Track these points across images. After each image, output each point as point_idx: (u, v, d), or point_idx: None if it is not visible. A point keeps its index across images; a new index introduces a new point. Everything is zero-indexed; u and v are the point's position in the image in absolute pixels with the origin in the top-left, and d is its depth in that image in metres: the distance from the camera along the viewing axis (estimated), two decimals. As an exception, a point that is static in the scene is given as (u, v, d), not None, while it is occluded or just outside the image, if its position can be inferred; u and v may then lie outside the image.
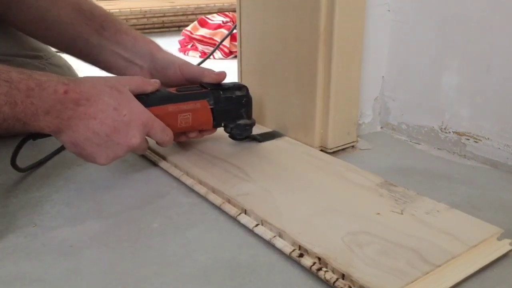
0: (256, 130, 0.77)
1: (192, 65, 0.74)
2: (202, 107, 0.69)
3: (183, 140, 0.73)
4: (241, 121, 0.73)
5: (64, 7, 0.75)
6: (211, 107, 0.70)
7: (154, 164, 0.73)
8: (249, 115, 0.74)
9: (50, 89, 0.56)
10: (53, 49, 0.91)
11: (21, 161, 0.67)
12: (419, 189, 0.62)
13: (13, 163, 0.65)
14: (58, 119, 0.56)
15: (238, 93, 0.72)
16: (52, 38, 0.79)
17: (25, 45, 0.85)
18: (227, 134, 0.75)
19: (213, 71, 0.72)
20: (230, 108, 0.72)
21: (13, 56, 0.83)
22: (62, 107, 0.56)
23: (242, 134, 0.74)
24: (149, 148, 0.75)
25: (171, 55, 0.76)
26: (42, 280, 0.49)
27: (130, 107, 0.61)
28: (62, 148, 0.70)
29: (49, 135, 0.61)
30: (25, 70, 0.56)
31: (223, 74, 0.72)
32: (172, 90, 0.69)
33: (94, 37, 0.74)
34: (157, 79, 0.72)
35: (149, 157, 0.74)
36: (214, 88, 0.70)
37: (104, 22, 0.75)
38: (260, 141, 0.77)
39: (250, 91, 0.73)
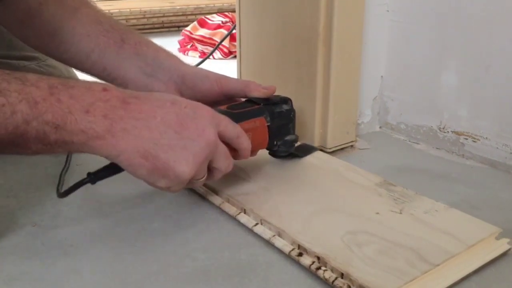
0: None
1: (231, 78, 0.67)
2: (260, 126, 0.62)
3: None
4: (288, 137, 0.67)
5: (82, 19, 0.68)
6: (268, 124, 0.63)
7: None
8: (294, 130, 0.68)
9: (81, 87, 0.47)
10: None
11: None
12: (418, 189, 0.62)
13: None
14: (107, 120, 0.46)
15: (286, 107, 0.65)
16: (65, 53, 0.69)
17: (21, 47, 0.82)
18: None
19: (259, 84, 0.65)
20: (282, 124, 0.65)
21: (9, 58, 0.80)
22: (106, 105, 0.47)
23: (288, 150, 0.68)
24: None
25: (201, 69, 0.69)
26: (42, 279, 0.49)
27: (188, 101, 0.52)
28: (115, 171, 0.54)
29: (109, 173, 0.53)
30: (43, 75, 0.47)
31: (273, 88, 0.65)
32: (223, 108, 0.61)
33: (112, 49, 0.67)
34: (187, 95, 0.64)
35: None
36: (266, 104, 0.64)
37: (123, 34, 0.68)
38: (301, 157, 0.71)
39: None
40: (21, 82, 0.45)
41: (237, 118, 0.58)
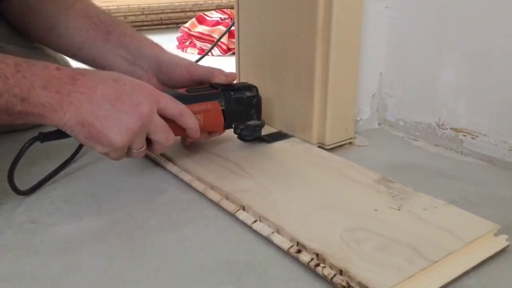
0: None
1: (199, 65, 0.73)
2: (213, 108, 0.67)
3: (190, 142, 0.72)
4: (251, 122, 0.72)
5: (73, 14, 0.75)
6: (223, 108, 0.68)
7: (153, 161, 0.73)
8: (259, 116, 0.73)
9: (40, 65, 0.54)
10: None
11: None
12: (416, 186, 0.62)
13: (11, 182, 0.61)
14: (59, 94, 0.54)
15: (248, 93, 0.70)
16: (62, 45, 0.78)
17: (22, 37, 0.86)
18: (226, 132, 0.74)
19: (223, 71, 0.71)
20: (241, 109, 0.70)
21: (12, 44, 0.83)
22: (59, 82, 0.54)
23: (252, 135, 0.73)
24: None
25: (177, 56, 0.75)
26: (41, 276, 0.49)
27: (131, 79, 0.59)
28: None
29: (57, 136, 0.59)
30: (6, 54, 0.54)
31: (233, 75, 0.71)
32: (182, 91, 0.66)
33: (100, 42, 0.74)
34: (163, 81, 0.71)
35: (148, 155, 0.74)
36: (225, 89, 0.69)
37: (110, 27, 0.75)
38: (269, 142, 0.75)
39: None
40: None
41: (188, 100, 0.64)
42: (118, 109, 0.55)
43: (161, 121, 0.59)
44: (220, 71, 0.71)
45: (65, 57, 0.92)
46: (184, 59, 0.74)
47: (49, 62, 0.56)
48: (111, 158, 0.60)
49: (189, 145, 0.73)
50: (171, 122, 0.61)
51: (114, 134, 0.55)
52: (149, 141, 0.60)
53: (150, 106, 0.57)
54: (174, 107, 0.61)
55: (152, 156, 0.73)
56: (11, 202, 0.62)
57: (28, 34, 0.81)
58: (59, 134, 0.59)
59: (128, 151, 0.59)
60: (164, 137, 0.60)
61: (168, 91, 0.64)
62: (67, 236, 0.56)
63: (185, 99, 0.63)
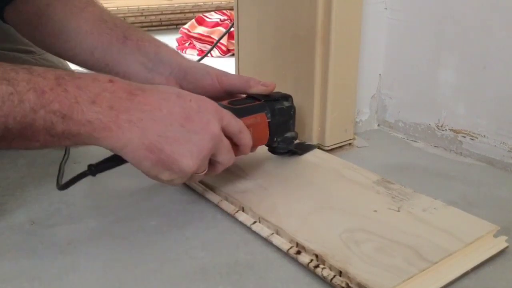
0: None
1: (231, 74, 0.67)
2: (261, 121, 0.62)
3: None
4: (288, 134, 0.67)
5: (85, 18, 0.70)
6: (269, 120, 0.63)
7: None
8: (294, 127, 0.68)
9: (87, 78, 0.47)
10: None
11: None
12: (416, 187, 0.62)
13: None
14: (113, 111, 0.46)
15: (286, 103, 0.66)
16: (70, 50, 0.71)
17: (17, 40, 0.83)
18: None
19: (259, 80, 0.66)
20: (283, 121, 0.65)
21: (5, 50, 0.81)
22: (112, 96, 0.46)
23: (287, 147, 0.68)
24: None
25: (201, 64, 0.70)
26: (40, 277, 0.49)
27: (192, 94, 0.52)
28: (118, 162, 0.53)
29: (111, 165, 0.52)
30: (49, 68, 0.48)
31: (273, 84, 0.66)
32: (225, 103, 0.61)
33: (115, 46, 0.68)
34: (188, 90, 0.61)
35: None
36: (267, 100, 0.64)
37: (126, 31, 0.69)
38: (300, 155, 0.71)
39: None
40: (29, 73, 0.45)
41: (239, 113, 0.58)
42: (188, 129, 0.49)
43: (227, 141, 0.54)
44: (257, 81, 0.65)
45: (66, 62, 0.88)
46: (213, 67, 0.68)
47: (102, 74, 0.49)
48: (171, 185, 0.54)
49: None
50: (228, 139, 0.55)
51: (186, 159, 0.49)
52: (210, 162, 0.54)
53: (219, 124, 0.52)
54: (235, 124, 0.55)
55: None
56: (11, 203, 0.62)
57: (34, 39, 0.75)
58: (112, 162, 0.52)
59: (190, 177, 0.52)
60: (228, 157, 0.55)
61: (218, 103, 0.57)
62: (66, 237, 0.55)
63: (235, 112, 0.57)
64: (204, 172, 0.53)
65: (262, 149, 0.73)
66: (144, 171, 0.50)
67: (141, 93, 0.49)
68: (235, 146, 0.57)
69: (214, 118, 0.51)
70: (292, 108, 0.66)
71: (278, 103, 0.65)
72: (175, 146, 0.48)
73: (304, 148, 0.73)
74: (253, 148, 0.63)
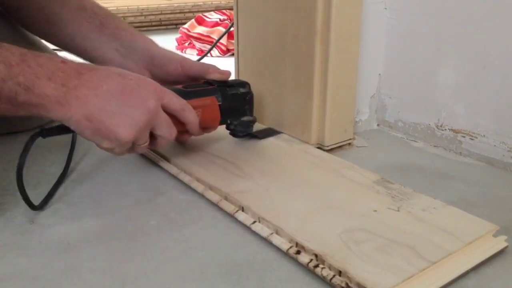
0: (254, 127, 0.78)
1: (193, 61, 0.74)
2: (211, 104, 0.69)
3: (186, 138, 0.72)
4: (245, 118, 0.74)
5: (68, 5, 0.76)
6: (219, 103, 0.70)
7: (152, 162, 0.73)
8: (251, 112, 0.75)
9: (45, 56, 0.54)
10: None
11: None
12: (415, 186, 0.62)
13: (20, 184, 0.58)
14: (64, 87, 0.53)
15: (242, 90, 0.72)
16: (53, 36, 0.79)
17: (20, 37, 0.86)
18: (224, 132, 0.75)
19: (218, 68, 0.73)
20: (236, 105, 0.72)
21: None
22: (64, 75, 0.53)
23: (245, 131, 0.74)
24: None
25: (170, 51, 0.76)
26: (40, 277, 0.49)
27: (134, 74, 0.59)
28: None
29: (60, 131, 0.59)
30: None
31: (228, 72, 0.72)
32: (180, 87, 0.68)
33: (93, 34, 0.75)
34: (156, 75, 0.72)
35: (148, 156, 0.74)
36: (221, 85, 0.71)
37: (104, 19, 0.76)
38: (260, 138, 0.77)
39: (248, 88, 0.73)
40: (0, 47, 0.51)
41: (187, 95, 0.65)
42: (126, 104, 0.56)
43: (165, 116, 0.60)
44: (215, 68, 0.72)
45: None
46: (177, 54, 0.75)
47: (54, 55, 0.56)
48: (114, 154, 0.60)
49: (185, 143, 0.74)
50: (172, 118, 0.62)
51: (121, 129, 0.55)
52: (152, 136, 0.61)
53: (156, 101, 0.58)
54: (177, 102, 0.62)
55: (152, 157, 0.73)
56: (10, 203, 0.62)
57: (25, 26, 0.82)
58: (62, 129, 0.59)
59: (132, 146, 0.59)
60: (168, 131, 0.61)
61: (167, 87, 0.64)
62: (66, 236, 0.55)
63: (184, 95, 0.64)
64: (145, 143, 0.60)
65: (262, 151, 0.73)
66: (87, 139, 0.57)
67: (87, 72, 0.55)
68: (182, 125, 0.64)
69: (152, 96, 0.58)
70: (247, 94, 0.73)
71: (233, 88, 0.71)
72: (113, 119, 0.55)
73: (266, 133, 0.79)
74: (207, 129, 0.71)
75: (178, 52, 1.54)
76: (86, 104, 0.54)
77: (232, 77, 0.84)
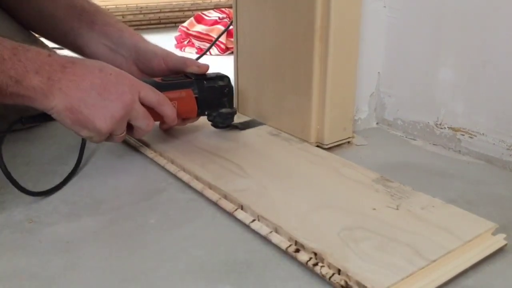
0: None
1: (175, 55, 0.77)
2: (187, 96, 0.72)
3: (166, 127, 0.76)
4: (224, 110, 0.76)
5: (59, 3, 0.79)
6: (196, 96, 0.73)
7: (152, 161, 0.73)
8: (231, 104, 0.78)
9: (33, 51, 0.58)
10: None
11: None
12: (414, 185, 0.62)
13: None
14: (50, 80, 0.57)
15: (220, 83, 0.75)
16: (49, 32, 0.83)
17: (18, 34, 0.87)
18: (224, 131, 0.77)
19: (196, 61, 0.76)
20: (213, 97, 0.75)
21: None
22: (50, 69, 0.58)
23: (224, 122, 0.77)
24: (145, 143, 0.76)
25: (155, 46, 0.79)
26: (39, 276, 0.49)
27: (114, 69, 0.63)
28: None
29: (39, 120, 0.62)
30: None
31: (206, 66, 0.75)
32: (157, 80, 0.71)
33: (84, 31, 0.78)
34: (142, 69, 0.76)
35: (147, 154, 0.74)
36: (198, 78, 0.74)
37: (94, 16, 0.79)
38: (241, 129, 0.80)
39: (246, 87, 0.74)
40: None
41: (163, 87, 0.69)
42: (104, 97, 0.60)
43: (142, 109, 0.64)
44: (193, 61, 0.75)
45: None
46: (162, 49, 0.78)
47: (42, 49, 0.60)
48: (93, 142, 0.64)
49: (166, 130, 0.78)
50: (150, 109, 0.66)
51: (99, 120, 0.60)
52: (130, 127, 0.65)
53: (132, 95, 0.62)
54: (153, 96, 0.66)
55: (151, 156, 0.73)
56: (9, 201, 0.62)
57: (22, 22, 0.84)
58: (42, 118, 0.61)
59: (110, 136, 0.64)
60: (145, 123, 0.65)
61: (144, 79, 0.68)
62: (65, 235, 0.55)
63: (160, 87, 0.68)
64: (122, 134, 0.64)
65: (261, 148, 0.73)
66: (67, 127, 0.61)
67: (71, 65, 0.60)
68: (159, 117, 0.68)
69: (129, 90, 0.62)
70: (226, 87, 0.76)
71: (211, 81, 0.74)
72: (91, 110, 0.59)
73: (247, 125, 0.81)
74: (184, 121, 0.75)
75: (177, 50, 1.54)
76: (68, 96, 0.58)
77: (231, 75, 0.85)
